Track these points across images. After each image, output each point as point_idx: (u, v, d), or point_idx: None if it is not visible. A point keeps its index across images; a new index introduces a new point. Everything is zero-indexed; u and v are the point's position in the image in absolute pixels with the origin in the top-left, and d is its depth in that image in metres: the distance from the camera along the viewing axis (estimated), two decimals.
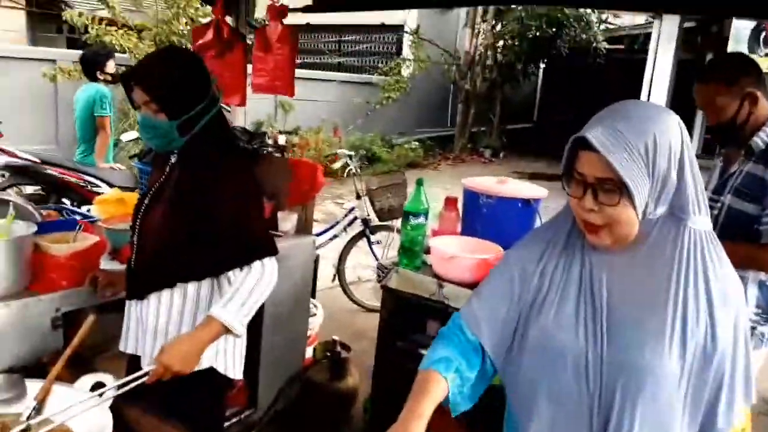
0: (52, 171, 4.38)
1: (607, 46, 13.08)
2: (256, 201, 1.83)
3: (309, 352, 3.14)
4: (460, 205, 2.73)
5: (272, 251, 1.78)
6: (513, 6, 12.78)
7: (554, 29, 12.45)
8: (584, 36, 12.76)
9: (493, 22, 13.02)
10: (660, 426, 1.12)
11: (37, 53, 8.13)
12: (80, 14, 7.52)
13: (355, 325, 4.40)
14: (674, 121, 1.12)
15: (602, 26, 13.19)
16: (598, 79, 13.46)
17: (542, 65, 15.12)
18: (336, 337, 3.15)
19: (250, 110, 3.48)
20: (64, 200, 4.43)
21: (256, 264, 1.73)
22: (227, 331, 1.69)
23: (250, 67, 3.17)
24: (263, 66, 2.96)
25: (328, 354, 3.07)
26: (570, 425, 1.19)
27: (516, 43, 13.05)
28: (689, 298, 1.11)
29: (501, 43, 13.35)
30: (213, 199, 1.71)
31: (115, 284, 1.97)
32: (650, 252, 1.15)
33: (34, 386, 1.65)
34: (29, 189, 4.74)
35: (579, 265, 1.22)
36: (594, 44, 12.86)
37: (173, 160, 1.81)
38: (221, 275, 1.79)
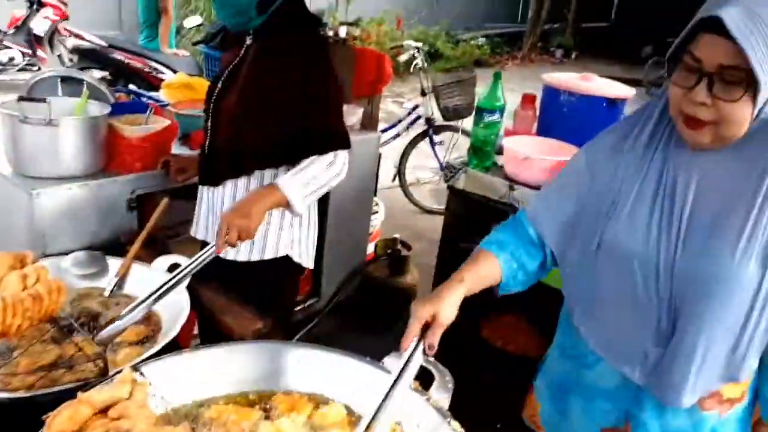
0: (118, 55, 4.40)
1: None
2: (336, 88, 1.75)
3: (370, 248, 3.17)
4: (537, 104, 2.58)
5: (347, 145, 1.73)
6: None
7: None
8: None
9: None
10: (729, 335, 1.06)
11: None
12: None
13: (413, 225, 4.40)
14: None
15: None
16: None
17: None
18: (398, 236, 3.16)
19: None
20: (131, 85, 4.47)
21: (330, 154, 1.69)
22: (287, 205, 1.66)
23: None
24: None
25: (389, 251, 3.10)
26: (634, 330, 1.15)
27: None
28: None
29: None
30: (294, 82, 1.64)
31: (187, 169, 1.98)
32: (746, 153, 1.01)
33: (114, 263, 1.71)
34: (96, 73, 4.80)
35: (660, 164, 1.10)
36: None
37: (249, 41, 1.73)
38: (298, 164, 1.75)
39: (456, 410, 1.10)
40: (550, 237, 1.25)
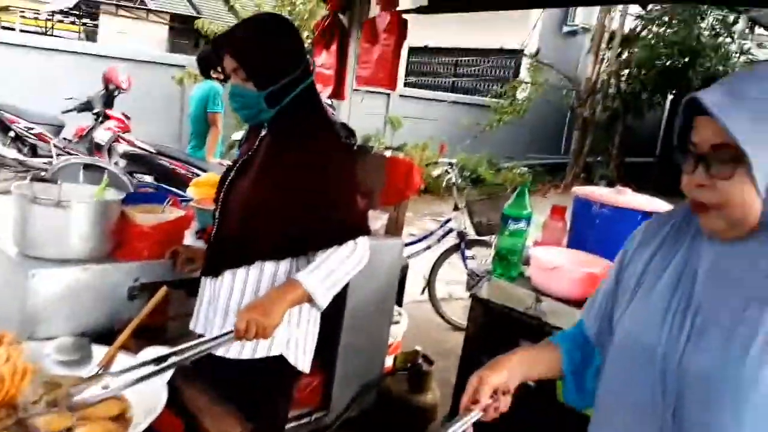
0: (164, 161, 4.59)
1: None
2: (350, 178, 1.71)
3: (389, 361, 2.96)
4: (568, 216, 2.47)
5: (365, 232, 1.67)
6: (643, 33, 12.12)
7: (687, 59, 11.57)
8: (721, 68, 11.73)
9: (619, 49, 12.35)
10: None
11: (170, 59, 8.75)
12: (210, 23, 8.00)
13: (442, 341, 4.16)
14: None
15: (743, 58, 12.09)
16: None
17: (670, 96, 14.14)
18: (419, 348, 2.95)
19: (359, 126, 3.43)
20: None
21: (349, 243, 1.61)
22: (309, 300, 1.58)
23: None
24: (368, 58, 2.89)
25: (410, 365, 2.88)
26: None
27: (643, 72, 12.29)
28: None
29: (626, 71, 12.63)
30: (303, 174, 1.61)
31: (196, 260, 1.92)
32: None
33: (100, 352, 1.60)
34: (146, 178, 5.00)
35: (684, 253, 1.05)
36: None
37: (263, 133, 1.73)
38: (308, 255, 1.68)
39: None
40: (591, 332, 1.24)
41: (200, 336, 1.83)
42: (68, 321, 1.78)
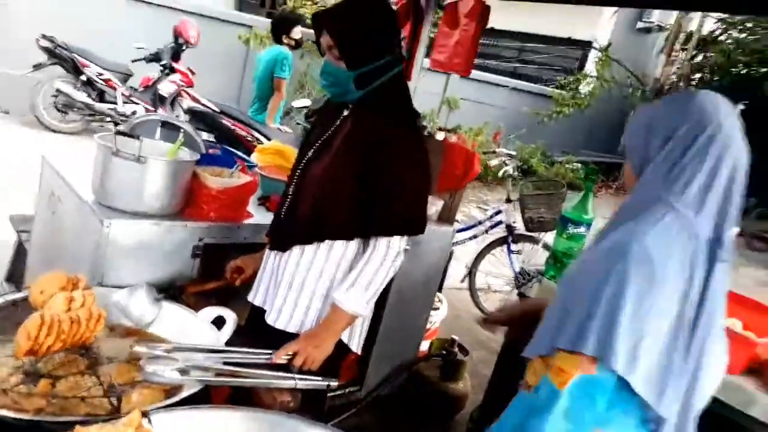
0: (226, 121, 4.68)
1: None
2: (426, 171, 1.74)
3: (425, 346, 3.00)
4: None
5: (421, 230, 1.72)
6: (721, 37, 11.60)
7: (766, 69, 11.00)
8: None
9: (694, 52, 11.84)
10: None
11: (238, 18, 8.80)
12: None
13: (476, 332, 4.17)
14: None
15: None
16: None
17: (740, 107, 13.48)
18: (456, 337, 2.99)
19: (415, 104, 3.35)
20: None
21: (396, 239, 1.67)
22: (354, 317, 1.69)
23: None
24: (445, 42, 2.87)
25: (444, 352, 2.92)
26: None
27: (715, 78, 11.75)
28: None
29: (698, 75, 12.11)
30: (384, 158, 1.64)
31: (246, 269, 1.96)
32: None
33: (166, 306, 1.68)
34: (204, 135, 5.12)
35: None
36: None
37: (345, 113, 1.75)
38: (370, 239, 1.72)
39: None
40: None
41: (254, 307, 1.89)
42: (135, 272, 1.87)
